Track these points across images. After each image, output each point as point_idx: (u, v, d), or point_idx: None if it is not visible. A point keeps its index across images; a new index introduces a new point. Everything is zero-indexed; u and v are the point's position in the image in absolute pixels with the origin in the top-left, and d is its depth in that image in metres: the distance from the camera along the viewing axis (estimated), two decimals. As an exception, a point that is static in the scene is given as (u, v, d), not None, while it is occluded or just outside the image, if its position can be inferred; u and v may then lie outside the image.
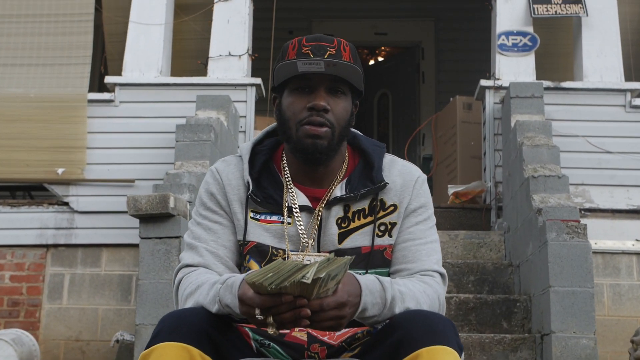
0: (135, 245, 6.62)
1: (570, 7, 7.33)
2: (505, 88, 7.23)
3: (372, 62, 13.05)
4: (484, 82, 7.48)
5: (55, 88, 7.38)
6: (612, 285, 6.85)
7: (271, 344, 2.30)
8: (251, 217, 2.39)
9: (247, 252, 2.37)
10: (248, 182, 2.40)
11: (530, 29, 7.45)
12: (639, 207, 7.12)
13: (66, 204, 7.20)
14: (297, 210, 2.39)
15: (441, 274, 2.37)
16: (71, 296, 7.06)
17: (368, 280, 2.15)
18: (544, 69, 7.59)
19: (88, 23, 7.55)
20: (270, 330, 2.01)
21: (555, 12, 7.34)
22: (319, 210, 2.39)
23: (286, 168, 2.44)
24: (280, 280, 1.92)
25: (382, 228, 2.39)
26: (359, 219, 2.39)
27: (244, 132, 7.37)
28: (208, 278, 2.26)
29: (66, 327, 7.03)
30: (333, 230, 2.38)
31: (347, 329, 2.32)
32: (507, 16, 7.51)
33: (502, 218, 7.22)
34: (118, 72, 7.53)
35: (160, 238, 5.50)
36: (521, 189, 6.36)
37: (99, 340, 6.94)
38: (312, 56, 2.28)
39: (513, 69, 7.39)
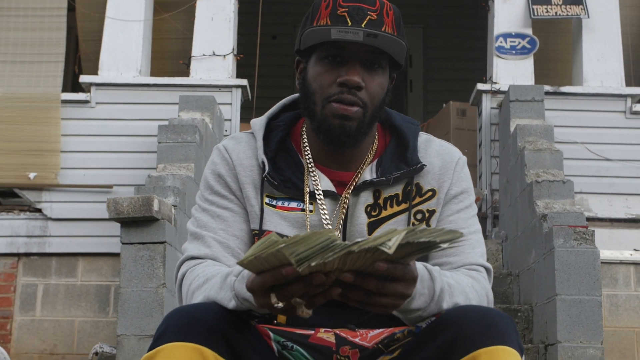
0: (114, 255, 6.48)
1: (571, 8, 7.10)
2: (503, 92, 7.02)
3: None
4: (480, 86, 7.26)
5: (26, 87, 7.11)
6: (609, 296, 6.71)
7: (294, 346, 1.96)
8: (266, 204, 2.07)
9: None
10: (263, 162, 2.08)
11: (529, 31, 7.24)
12: (637, 216, 7.04)
13: (39, 210, 6.96)
14: (321, 195, 2.07)
15: (487, 269, 2.09)
16: (45, 307, 6.80)
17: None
18: (541, 75, 7.43)
19: (61, 18, 7.24)
20: (301, 312, 1.68)
21: (556, 13, 7.11)
22: (346, 197, 2.08)
23: (307, 147, 2.13)
24: (339, 244, 1.55)
25: (419, 216, 2.09)
26: (391, 206, 2.09)
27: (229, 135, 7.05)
28: (218, 270, 1.94)
29: (40, 340, 6.77)
30: (362, 219, 2.07)
31: (382, 329, 1.98)
32: (506, 17, 7.29)
33: (499, 227, 7.01)
34: (94, 73, 7.29)
35: (143, 243, 5.25)
36: (522, 195, 6.16)
37: (75, 354, 6.71)
38: (349, 21, 1.97)
39: (511, 72, 7.16)
